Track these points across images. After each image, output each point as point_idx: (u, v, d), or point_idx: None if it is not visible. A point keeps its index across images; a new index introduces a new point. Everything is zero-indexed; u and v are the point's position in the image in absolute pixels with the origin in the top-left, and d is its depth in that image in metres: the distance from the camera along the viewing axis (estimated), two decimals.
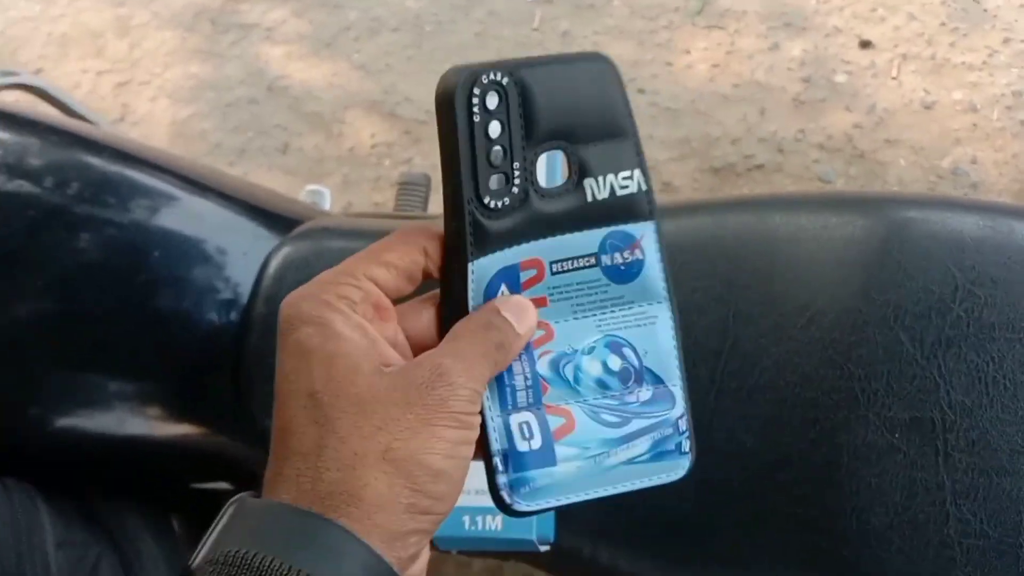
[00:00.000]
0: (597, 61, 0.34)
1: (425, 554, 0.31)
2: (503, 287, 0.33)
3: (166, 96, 1.92)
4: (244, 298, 0.66)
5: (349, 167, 1.71)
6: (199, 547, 0.29)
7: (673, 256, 0.55)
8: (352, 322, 0.30)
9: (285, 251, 0.65)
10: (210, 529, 0.29)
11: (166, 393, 0.67)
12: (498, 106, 0.32)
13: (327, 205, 1.22)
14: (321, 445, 0.28)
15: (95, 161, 0.68)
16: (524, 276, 0.33)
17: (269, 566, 0.25)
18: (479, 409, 0.31)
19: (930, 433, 0.47)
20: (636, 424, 0.34)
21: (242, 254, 0.68)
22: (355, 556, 0.27)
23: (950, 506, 0.46)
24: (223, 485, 0.73)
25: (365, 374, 0.29)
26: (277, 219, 0.72)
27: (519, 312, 0.32)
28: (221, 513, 0.30)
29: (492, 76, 0.32)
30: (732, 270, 0.53)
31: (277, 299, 0.63)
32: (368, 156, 1.71)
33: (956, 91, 1.59)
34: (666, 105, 1.65)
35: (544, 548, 0.52)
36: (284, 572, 0.25)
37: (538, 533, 0.51)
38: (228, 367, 0.65)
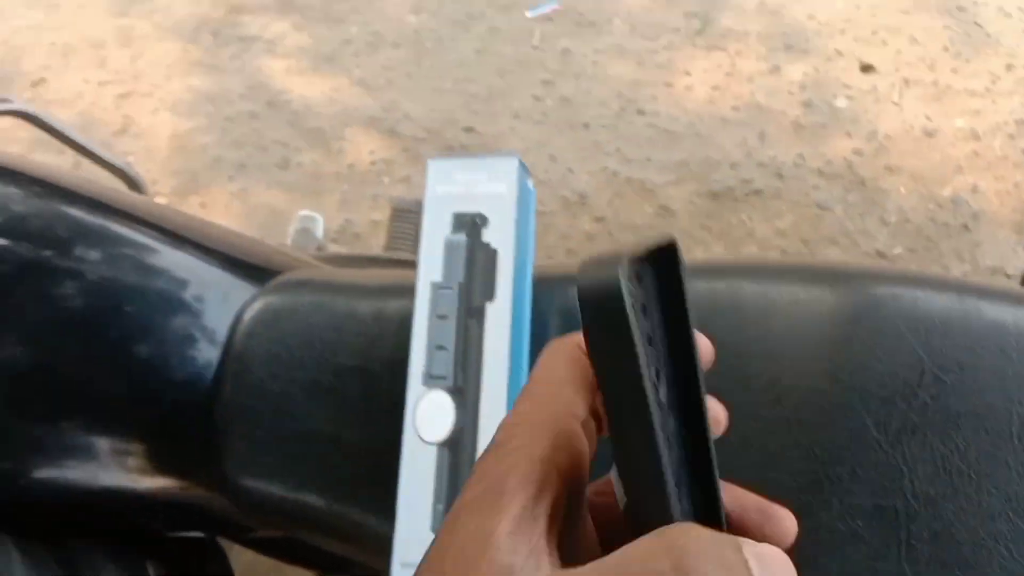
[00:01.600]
0: None
1: None
2: None
3: (167, 109, 1.92)
4: (220, 349, 0.66)
5: (348, 184, 1.71)
6: None
7: None
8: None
9: (257, 305, 0.64)
10: None
11: (141, 445, 0.67)
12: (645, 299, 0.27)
13: (320, 232, 1.22)
14: None
15: (74, 212, 0.69)
16: None
17: None
18: None
19: (893, 522, 0.47)
20: None
21: (220, 304, 0.68)
22: None
23: None
24: (197, 534, 0.72)
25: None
26: (257, 270, 0.72)
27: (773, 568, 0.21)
28: None
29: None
30: None
31: (247, 356, 0.63)
32: (367, 173, 1.71)
33: (958, 118, 1.58)
34: (665, 127, 1.64)
35: None
36: None
37: None
38: (202, 420, 0.65)
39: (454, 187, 0.58)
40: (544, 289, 0.61)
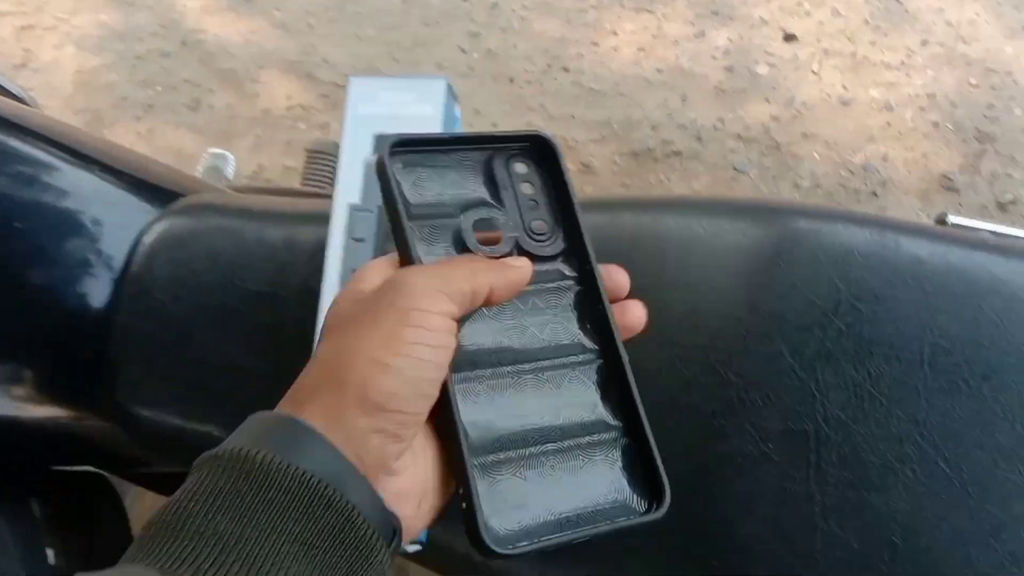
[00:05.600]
0: None
1: (410, 480, 0.32)
2: None
3: (72, 44, 1.81)
4: (118, 274, 0.62)
5: (262, 128, 1.65)
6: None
7: None
8: None
9: (160, 227, 0.61)
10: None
11: (31, 373, 0.63)
12: None
13: (231, 171, 1.17)
14: (308, 364, 0.32)
15: None
16: None
17: (255, 457, 0.29)
18: (440, 309, 0.32)
19: (803, 445, 0.47)
20: None
21: (119, 227, 0.64)
22: (317, 449, 0.29)
23: (819, 519, 0.46)
24: (87, 468, 0.69)
25: (343, 301, 0.33)
26: (162, 192, 0.68)
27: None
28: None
29: None
30: None
31: (147, 278, 0.60)
32: (282, 118, 1.65)
33: (873, 89, 1.62)
34: (589, 86, 1.64)
35: (413, 548, 0.51)
36: (267, 462, 0.29)
37: None
38: (96, 346, 0.62)
39: (377, 107, 0.56)
40: None
